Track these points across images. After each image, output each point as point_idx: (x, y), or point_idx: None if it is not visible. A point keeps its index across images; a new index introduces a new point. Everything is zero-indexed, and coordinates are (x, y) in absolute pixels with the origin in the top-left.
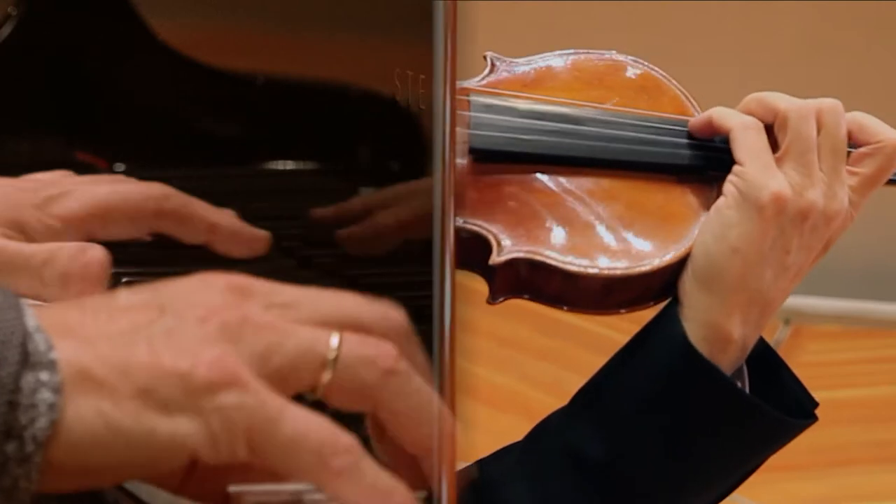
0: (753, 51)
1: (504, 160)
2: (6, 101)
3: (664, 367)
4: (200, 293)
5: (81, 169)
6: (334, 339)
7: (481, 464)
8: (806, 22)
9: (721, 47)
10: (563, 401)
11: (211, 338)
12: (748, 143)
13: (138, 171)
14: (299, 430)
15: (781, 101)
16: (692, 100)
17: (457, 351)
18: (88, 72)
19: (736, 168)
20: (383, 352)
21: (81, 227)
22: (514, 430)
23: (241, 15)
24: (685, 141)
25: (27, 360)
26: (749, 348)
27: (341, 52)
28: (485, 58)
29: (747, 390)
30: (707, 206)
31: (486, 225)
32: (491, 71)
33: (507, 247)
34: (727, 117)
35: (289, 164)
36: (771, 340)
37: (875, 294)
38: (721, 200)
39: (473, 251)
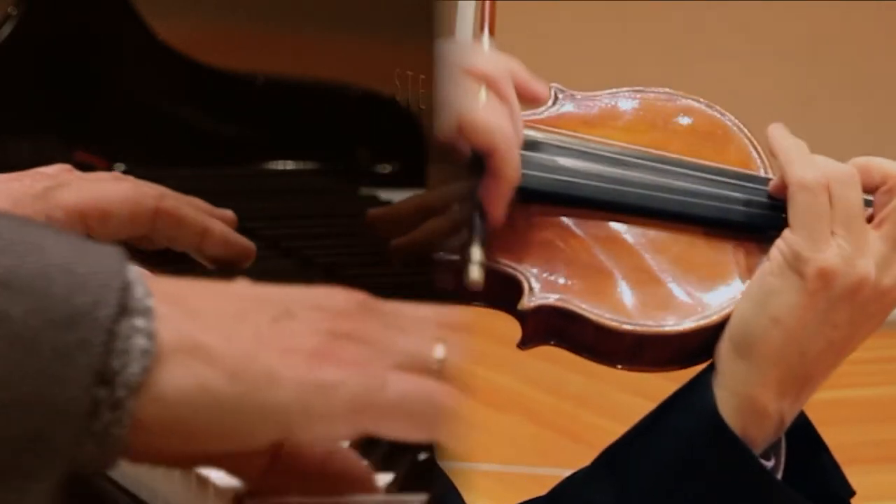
0: (753, 50)
1: (548, 201)
2: (6, 101)
3: (690, 435)
4: (321, 298)
5: (81, 169)
6: (440, 349)
7: None
8: (806, 22)
9: (721, 47)
10: (563, 401)
11: (318, 332)
12: (802, 206)
13: (138, 171)
14: (403, 388)
15: (826, 163)
16: (761, 152)
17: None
18: (88, 72)
19: (786, 233)
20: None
21: (80, 221)
22: (515, 430)
23: (241, 15)
24: (743, 196)
25: (126, 305)
26: (787, 424)
27: (341, 52)
28: (549, 89)
29: (782, 468)
30: (756, 269)
31: (520, 267)
32: (553, 103)
33: (538, 293)
34: (790, 167)
35: (289, 164)
36: None
37: None
38: (766, 265)
39: (506, 292)
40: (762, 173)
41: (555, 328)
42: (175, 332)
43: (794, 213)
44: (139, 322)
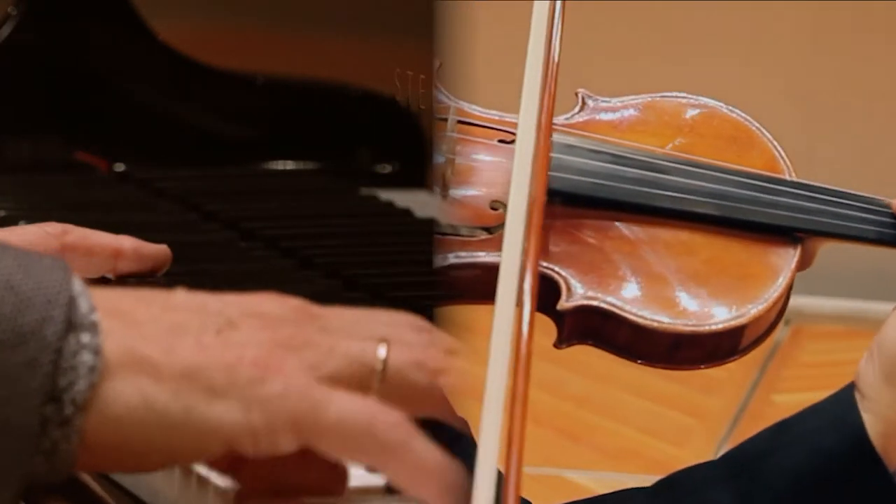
0: (753, 50)
1: (583, 204)
2: (6, 101)
3: (832, 453)
4: (260, 305)
5: (81, 169)
6: (382, 349)
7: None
8: (806, 21)
9: (721, 46)
10: (563, 401)
11: (260, 343)
12: None
13: (138, 171)
14: (346, 410)
15: None
16: (785, 156)
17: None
18: (88, 71)
19: None
20: (430, 354)
21: None
22: None
23: (241, 15)
24: (770, 198)
25: (71, 321)
26: None
27: (341, 52)
28: (576, 94)
29: None
30: (788, 268)
31: (557, 268)
32: (581, 109)
33: (576, 293)
34: None
35: (289, 164)
36: (771, 341)
37: (875, 294)
38: None
39: (543, 294)
40: (787, 176)
41: (592, 328)
42: (119, 347)
43: None
44: (85, 338)
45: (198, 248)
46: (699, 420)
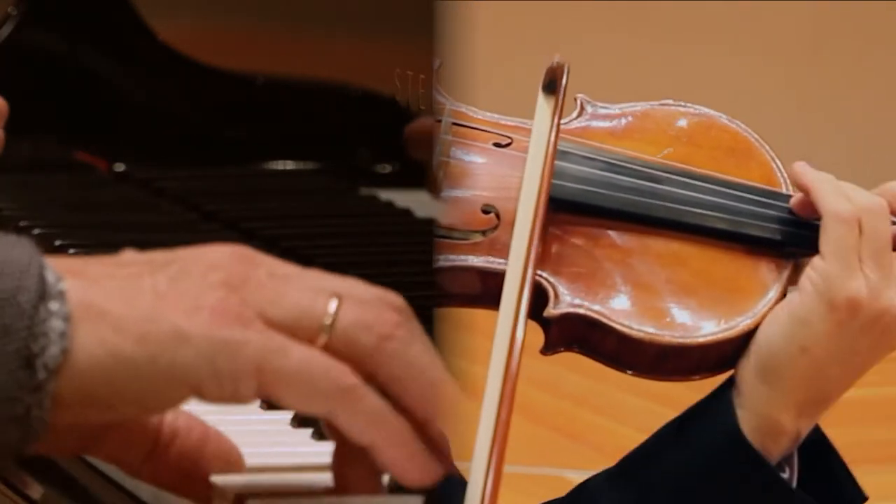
0: (753, 50)
1: (574, 211)
2: (6, 101)
3: (711, 451)
4: (208, 254)
5: (81, 169)
6: (332, 303)
7: None
8: (806, 21)
9: (721, 46)
10: (562, 400)
11: (214, 285)
12: (835, 237)
13: (138, 171)
14: (305, 358)
15: (856, 194)
16: (782, 169)
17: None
18: (88, 71)
19: (816, 261)
20: (382, 318)
21: None
22: (513, 429)
23: (241, 15)
24: (766, 212)
25: (45, 289)
26: (802, 438)
27: (341, 52)
28: (575, 99)
29: (795, 477)
30: (779, 284)
31: (546, 275)
32: (579, 114)
33: (564, 300)
34: (824, 200)
35: (289, 164)
36: None
37: None
38: (795, 296)
39: (531, 300)
40: (784, 189)
41: (578, 336)
42: (80, 304)
43: (826, 244)
44: (54, 306)
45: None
46: None
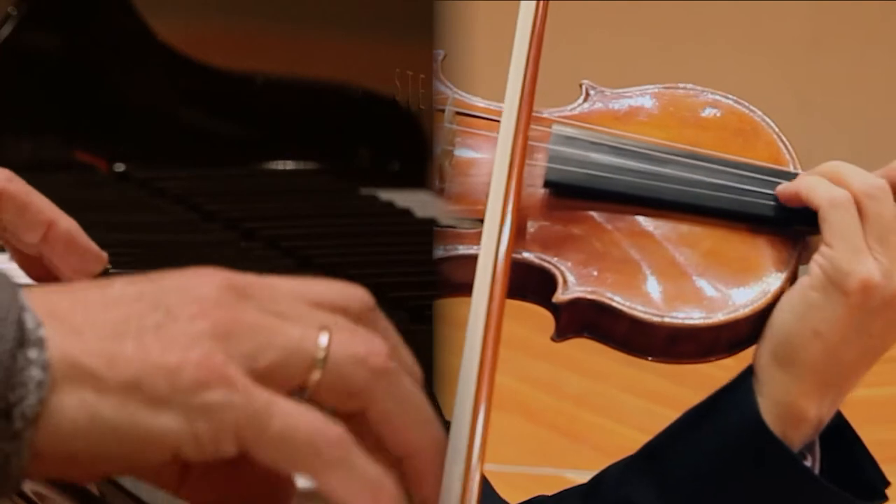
0: (753, 50)
1: (581, 196)
2: (6, 101)
3: (733, 439)
4: (196, 289)
5: (81, 169)
6: (323, 338)
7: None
8: (806, 21)
9: (721, 46)
10: (562, 400)
11: (200, 336)
12: (836, 223)
13: (138, 171)
14: (289, 423)
15: (854, 178)
16: (790, 148)
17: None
18: (88, 72)
19: (823, 249)
20: (374, 350)
21: None
22: (514, 429)
23: (241, 15)
24: (773, 192)
25: (21, 337)
26: (823, 425)
27: (341, 52)
28: (580, 86)
29: (817, 464)
30: (788, 262)
31: (554, 261)
32: (584, 100)
33: (572, 285)
34: (815, 192)
35: (289, 164)
36: None
37: None
38: (806, 279)
39: (540, 286)
40: (792, 168)
41: (589, 321)
42: (63, 362)
43: (828, 232)
44: (32, 354)
45: (198, 248)
46: None
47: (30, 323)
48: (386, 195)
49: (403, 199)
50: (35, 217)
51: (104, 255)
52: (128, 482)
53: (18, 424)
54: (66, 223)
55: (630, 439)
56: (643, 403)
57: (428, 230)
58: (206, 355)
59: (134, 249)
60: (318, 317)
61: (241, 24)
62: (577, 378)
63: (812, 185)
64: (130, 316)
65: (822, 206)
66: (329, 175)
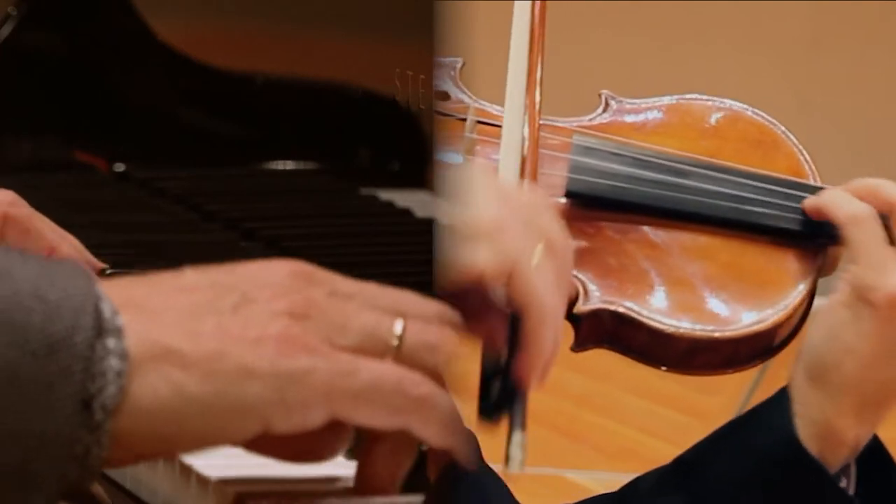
0: (753, 50)
1: (602, 207)
2: (6, 101)
3: (770, 459)
4: (266, 276)
5: (81, 169)
6: (398, 325)
7: None
8: (806, 21)
9: (721, 46)
10: (562, 400)
11: (279, 314)
12: (859, 239)
13: (138, 171)
14: (375, 375)
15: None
16: (810, 161)
17: None
18: (88, 71)
19: (850, 265)
20: (445, 338)
21: None
22: None
23: (241, 15)
24: (793, 205)
25: (101, 325)
26: (861, 446)
27: (341, 52)
28: (599, 95)
29: (853, 486)
30: (808, 275)
31: (575, 271)
32: (604, 110)
33: (593, 296)
34: (837, 208)
35: (289, 164)
36: None
37: None
38: (835, 297)
39: None
40: (812, 181)
41: (609, 332)
42: (144, 342)
43: (853, 248)
44: (111, 342)
45: (198, 248)
46: (699, 419)
47: (107, 312)
48: (386, 195)
49: (403, 199)
50: (37, 243)
51: (103, 267)
52: (128, 482)
53: (99, 416)
54: (69, 248)
55: (631, 440)
56: (644, 404)
57: (428, 230)
58: (285, 327)
59: (134, 249)
60: (393, 308)
61: (241, 24)
62: (578, 378)
63: (835, 201)
64: (207, 299)
65: (844, 223)
66: (329, 175)
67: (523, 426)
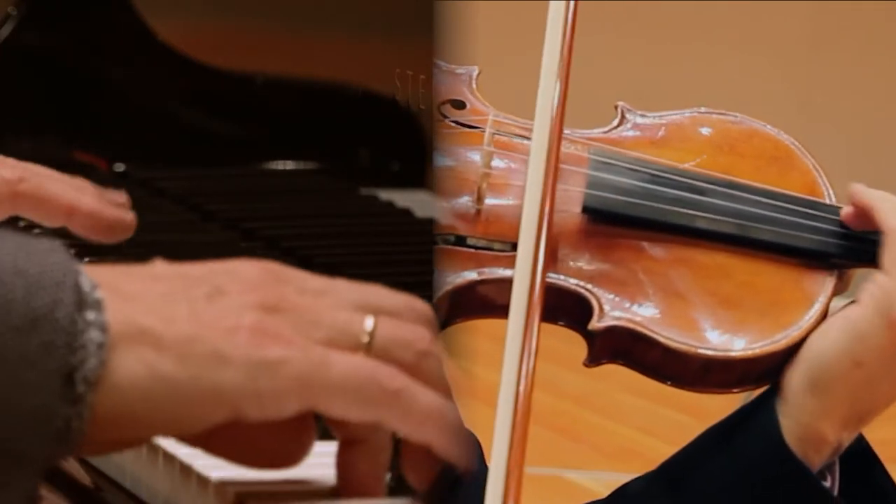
0: (753, 50)
1: (619, 223)
2: (6, 101)
3: (754, 460)
4: (239, 272)
5: (81, 169)
6: (369, 322)
7: None
8: (806, 21)
9: (721, 46)
10: (561, 400)
11: (251, 307)
12: None
13: (138, 171)
14: (348, 367)
15: None
16: (825, 179)
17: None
18: (88, 71)
19: (878, 276)
20: (418, 334)
21: None
22: None
23: (241, 15)
24: (810, 223)
25: (81, 299)
26: (843, 447)
27: (341, 52)
28: (615, 107)
29: (836, 485)
30: (823, 295)
31: (590, 287)
32: (619, 123)
33: (608, 313)
34: (888, 218)
35: (289, 164)
36: None
37: None
38: (853, 310)
39: (575, 311)
40: (828, 200)
41: (623, 349)
42: (121, 321)
43: (890, 259)
44: (91, 315)
45: (198, 248)
46: (698, 419)
47: (86, 286)
48: (386, 195)
49: (403, 199)
50: (53, 210)
51: (130, 219)
52: (128, 482)
53: (81, 388)
54: (87, 206)
55: (630, 440)
56: (643, 404)
57: (428, 230)
58: (258, 320)
59: (134, 249)
60: (363, 305)
61: (241, 24)
62: (578, 378)
63: (886, 208)
64: (179, 288)
65: (890, 232)
66: (329, 175)
67: None
